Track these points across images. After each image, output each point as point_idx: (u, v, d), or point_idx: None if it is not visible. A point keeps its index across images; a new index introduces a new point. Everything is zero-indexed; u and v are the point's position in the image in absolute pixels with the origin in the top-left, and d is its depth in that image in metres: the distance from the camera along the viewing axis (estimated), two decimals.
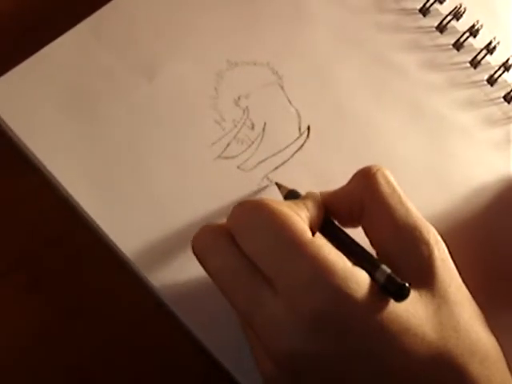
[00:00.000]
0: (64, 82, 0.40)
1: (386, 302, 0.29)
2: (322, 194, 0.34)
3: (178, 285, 0.37)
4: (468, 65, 0.45)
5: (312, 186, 0.38)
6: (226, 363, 0.36)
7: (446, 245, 0.32)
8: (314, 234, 0.31)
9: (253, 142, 0.40)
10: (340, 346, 0.29)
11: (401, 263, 0.31)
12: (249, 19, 0.43)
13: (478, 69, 0.45)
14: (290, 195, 0.36)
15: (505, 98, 0.44)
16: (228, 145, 0.40)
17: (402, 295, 0.29)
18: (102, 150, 0.39)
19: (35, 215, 0.38)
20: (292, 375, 0.30)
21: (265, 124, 0.41)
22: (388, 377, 0.29)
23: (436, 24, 0.45)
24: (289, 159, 0.40)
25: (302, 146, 0.41)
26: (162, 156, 0.39)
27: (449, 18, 0.45)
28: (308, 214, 0.32)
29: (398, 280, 0.29)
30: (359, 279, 0.29)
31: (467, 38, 0.45)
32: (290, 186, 0.38)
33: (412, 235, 0.31)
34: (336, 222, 0.33)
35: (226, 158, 0.40)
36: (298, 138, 0.41)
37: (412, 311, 0.29)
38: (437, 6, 0.46)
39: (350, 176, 0.34)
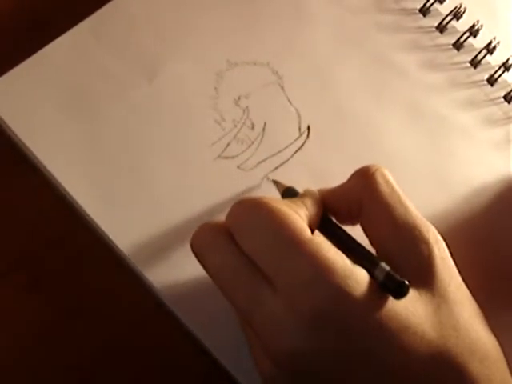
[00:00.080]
0: (64, 82, 0.40)
1: (385, 300, 0.29)
2: (320, 191, 0.34)
3: (177, 285, 0.37)
4: (468, 65, 0.45)
5: (312, 186, 0.38)
6: (226, 363, 0.36)
7: (446, 244, 0.32)
8: (312, 231, 0.31)
9: (253, 142, 0.40)
10: (340, 344, 0.29)
11: (400, 262, 0.31)
12: (249, 19, 0.43)
13: (478, 69, 0.45)
14: (288, 193, 0.35)
15: (505, 97, 0.44)
16: (228, 145, 0.40)
17: (401, 292, 0.29)
18: (101, 150, 0.39)
19: (35, 215, 0.38)
20: (291, 375, 0.30)
21: (265, 124, 0.41)
22: (388, 375, 0.29)
23: (436, 24, 0.45)
24: (289, 159, 0.40)
25: (302, 146, 0.41)
26: (162, 156, 0.39)
27: (449, 17, 0.45)
28: (307, 212, 0.32)
29: (397, 277, 0.29)
30: (359, 277, 0.29)
31: (467, 37, 0.45)
32: (290, 185, 0.38)
33: (411, 234, 0.31)
34: (334, 220, 0.33)
35: (226, 157, 0.40)
36: (298, 138, 0.41)
37: (411, 310, 0.29)
38: (437, 5, 0.46)
39: (349, 176, 0.34)
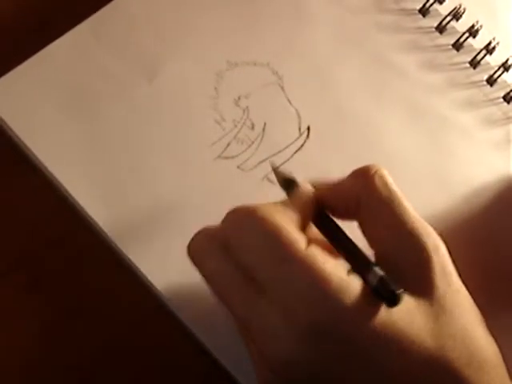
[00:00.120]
0: (64, 82, 0.40)
1: (379, 308, 0.29)
2: (317, 187, 0.33)
3: (178, 285, 0.36)
4: (467, 65, 0.45)
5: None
6: (226, 363, 0.36)
7: (447, 246, 0.32)
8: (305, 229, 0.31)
9: (253, 142, 0.40)
10: (337, 354, 0.28)
11: (398, 266, 0.30)
12: (249, 19, 0.43)
13: (478, 69, 0.45)
14: (286, 184, 0.35)
15: (504, 98, 0.44)
16: (228, 145, 0.40)
17: (393, 301, 0.29)
18: (102, 150, 0.39)
19: (35, 215, 0.38)
20: (287, 381, 0.30)
21: (265, 124, 0.41)
22: (388, 381, 0.29)
23: (436, 24, 0.45)
24: (289, 159, 0.40)
25: (302, 146, 0.41)
26: (163, 156, 0.39)
27: (448, 18, 0.45)
28: (300, 217, 0.31)
29: (391, 285, 0.29)
30: (355, 288, 0.29)
31: (467, 38, 0.45)
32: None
33: (409, 240, 0.31)
34: (331, 217, 0.33)
35: (226, 157, 0.40)
36: (298, 138, 0.41)
37: (408, 318, 0.29)
38: (436, 6, 0.46)
39: (349, 173, 0.34)
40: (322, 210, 0.33)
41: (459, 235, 0.39)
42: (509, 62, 0.45)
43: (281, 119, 0.41)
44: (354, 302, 0.28)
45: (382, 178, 0.32)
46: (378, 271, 0.29)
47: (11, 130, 0.38)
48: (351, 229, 0.33)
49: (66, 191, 0.38)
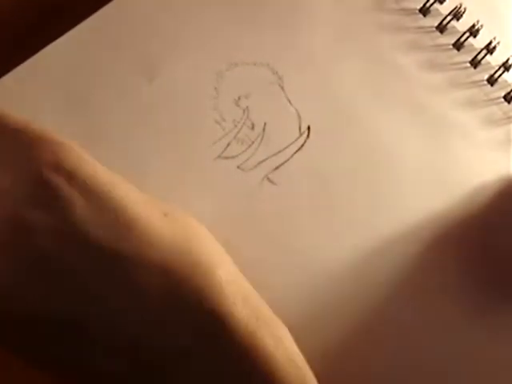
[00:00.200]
0: (64, 82, 0.40)
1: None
2: None
3: None
4: (468, 65, 0.45)
5: (312, 186, 0.39)
6: None
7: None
8: None
9: (253, 142, 0.40)
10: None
11: None
12: (249, 19, 0.43)
13: (478, 69, 0.45)
14: None
15: (505, 97, 0.44)
16: (228, 145, 0.40)
17: None
18: (102, 150, 0.39)
19: None
20: None
21: (265, 124, 0.41)
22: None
23: (436, 24, 0.45)
24: (289, 159, 0.40)
25: (302, 146, 0.41)
26: (162, 156, 0.39)
27: (449, 17, 0.45)
28: None
29: None
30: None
31: (467, 37, 0.45)
32: (290, 186, 0.38)
33: None
34: None
35: (226, 157, 0.40)
36: (298, 138, 0.41)
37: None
38: (437, 5, 0.46)
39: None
40: None
41: (459, 235, 0.39)
42: (509, 62, 0.45)
43: (281, 119, 0.41)
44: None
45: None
46: None
47: None
48: None
49: None
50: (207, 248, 0.32)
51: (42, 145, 0.28)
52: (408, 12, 0.46)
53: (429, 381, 0.37)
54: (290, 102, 0.42)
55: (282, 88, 0.42)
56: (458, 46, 0.45)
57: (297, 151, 0.41)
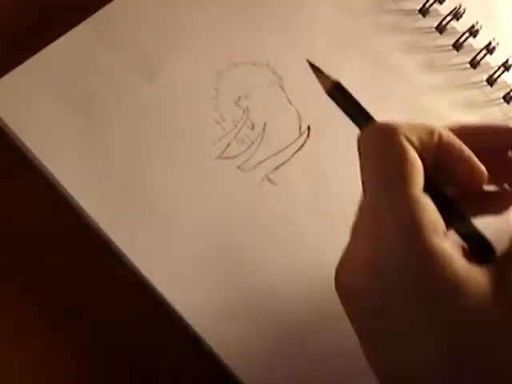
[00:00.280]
0: (64, 82, 0.40)
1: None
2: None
3: (181, 284, 0.37)
4: (468, 65, 0.45)
5: (312, 186, 0.39)
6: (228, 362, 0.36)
7: None
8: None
9: (253, 142, 0.40)
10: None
11: None
12: (249, 19, 0.43)
13: (478, 69, 0.45)
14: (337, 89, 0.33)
15: (504, 98, 0.44)
16: (228, 145, 0.40)
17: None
18: (102, 150, 0.39)
19: (35, 215, 0.38)
20: None
21: (265, 124, 0.41)
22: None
23: (435, 24, 0.45)
24: (289, 159, 0.40)
25: (302, 146, 0.41)
26: (162, 156, 0.39)
27: (448, 18, 0.45)
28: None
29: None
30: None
31: (467, 38, 0.45)
32: (290, 186, 0.38)
33: None
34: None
35: (226, 158, 0.40)
36: (298, 138, 0.41)
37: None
38: (436, 6, 0.46)
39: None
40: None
41: None
42: (509, 62, 0.45)
43: (281, 119, 0.41)
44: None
45: None
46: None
47: (11, 130, 0.38)
48: None
49: (66, 191, 0.38)
50: None
51: None
52: (407, 12, 0.46)
53: None
54: (290, 101, 0.42)
55: (282, 88, 0.42)
56: (458, 46, 0.45)
57: (297, 151, 0.41)
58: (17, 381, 0.36)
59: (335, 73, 0.43)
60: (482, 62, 0.45)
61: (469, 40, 0.45)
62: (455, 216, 0.28)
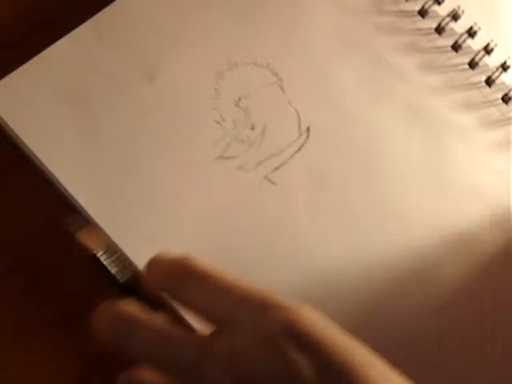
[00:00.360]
0: (65, 83, 0.40)
1: None
2: None
3: None
4: (466, 66, 0.45)
5: (312, 186, 0.39)
6: None
7: None
8: None
9: (253, 143, 0.40)
10: None
11: None
12: (249, 20, 0.43)
13: (476, 70, 0.45)
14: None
15: (503, 99, 0.44)
16: (228, 145, 0.40)
17: None
18: (102, 150, 0.39)
19: (35, 215, 0.38)
20: None
21: (265, 125, 0.41)
22: None
23: (434, 26, 0.46)
24: (289, 159, 0.40)
25: (302, 146, 0.41)
26: (163, 156, 0.39)
27: (447, 19, 0.46)
28: None
29: None
30: None
31: (465, 39, 0.45)
32: (290, 186, 0.38)
33: None
34: None
35: (227, 158, 0.40)
36: (298, 138, 0.41)
37: None
38: (435, 7, 0.46)
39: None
40: None
41: (459, 236, 0.40)
42: (507, 63, 0.45)
43: (281, 120, 0.41)
44: None
45: None
46: None
47: (12, 130, 0.38)
48: None
49: (66, 191, 0.38)
50: None
51: (271, 309, 0.28)
52: (406, 14, 0.46)
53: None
54: (289, 102, 0.42)
55: (282, 89, 0.42)
56: (456, 47, 0.45)
57: (296, 151, 0.41)
58: (17, 382, 0.36)
59: (335, 74, 0.43)
60: (480, 63, 0.45)
61: (467, 41, 0.45)
62: None
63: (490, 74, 0.45)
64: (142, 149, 0.39)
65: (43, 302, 0.37)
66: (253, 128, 0.41)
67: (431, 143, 0.42)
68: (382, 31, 0.45)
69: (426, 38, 0.45)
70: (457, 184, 0.41)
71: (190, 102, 0.41)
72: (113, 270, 0.36)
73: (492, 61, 0.45)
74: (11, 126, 0.38)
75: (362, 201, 0.40)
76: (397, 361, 0.26)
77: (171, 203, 0.38)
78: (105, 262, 0.36)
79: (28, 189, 0.39)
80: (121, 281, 0.36)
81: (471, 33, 0.45)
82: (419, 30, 0.46)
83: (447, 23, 0.45)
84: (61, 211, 0.38)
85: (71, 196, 0.38)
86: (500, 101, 0.44)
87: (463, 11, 0.46)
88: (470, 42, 0.45)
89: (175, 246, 0.37)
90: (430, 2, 0.46)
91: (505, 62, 0.45)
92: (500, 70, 0.45)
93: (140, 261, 0.37)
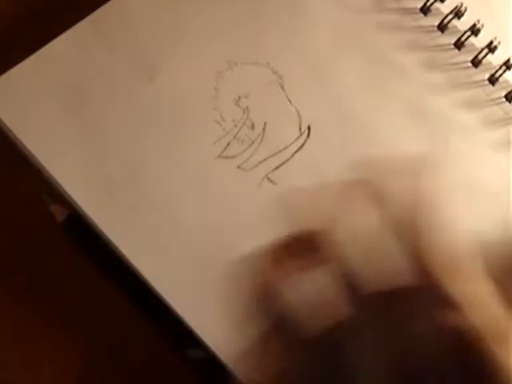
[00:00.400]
0: (64, 81, 0.40)
1: None
2: None
3: (176, 281, 0.36)
4: (469, 64, 0.45)
5: (312, 186, 0.38)
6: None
7: None
8: None
9: (253, 142, 0.40)
10: None
11: None
12: (249, 19, 0.43)
13: (479, 68, 0.45)
14: None
15: (506, 97, 0.44)
16: (228, 144, 0.40)
17: None
18: (101, 150, 0.39)
19: (34, 215, 0.38)
20: None
21: (265, 124, 0.41)
22: None
23: (437, 23, 0.45)
24: (289, 159, 0.40)
25: (303, 145, 0.41)
26: (162, 155, 0.39)
27: (450, 17, 0.45)
28: None
29: None
30: None
31: (468, 37, 0.45)
32: (290, 186, 0.38)
33: None
34: None
35: (227, 157, 0.40)
36: (299, 137, 0.41)
37: None
38: (438, 4, 0.46)
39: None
40: None
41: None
42: (510, 61, 0.44)
43: (281, 119, 0.41)
44: None
45: None
46: None
47: (10, 130, 0.38)
48: None
49: (65, 191, 0.38)
50: None
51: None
52: (408, 11, 0.46)
53: None
54: (290, 101, 0.42)
55: (282, 87, 0.42)
56: (459, 45, 0.45)
57: (297, 151, 0.41)
58: (17, 381, 0.36)
59: (336, 72, 0.43)
60: (483, 60, 0.45)
61: (470, 39, 0.45)
62: None
63: (493, 72, 0.44)
64: (141, 148, 0.39)
65: (43, 301, 0.37)
66: (253, 127, 0.41)
67: (433, 141, 0.42)
68: (384, 29, 0.45)
69: (428, 35, 0.45)
70: (458, 183, 0.41)
71: (190, 101, 0.40)
72: None
73: (495, 59, 0.45)
74: (9, 125, 0.38)
75: None
76: None
77: (171, 202, 0.38)
78: None
79: (28, 188, 0.39)
80: None
81: (474, 30, 0.45)
82: (421, 27, 0.45)
83: (450, 21, 0.45)
84: None
85: (69, 196, 0.37)
86: (503, 99, 0.44)
87: (466, 8, 0.45)
88: (473, 39, 0.45)
89: (174, 245, 0.37)
90: (432, 0, 0.45)
91: (508, 60, 0.44)
92: (503, 68, 0.44)
93: (140, 261, 0.37)
